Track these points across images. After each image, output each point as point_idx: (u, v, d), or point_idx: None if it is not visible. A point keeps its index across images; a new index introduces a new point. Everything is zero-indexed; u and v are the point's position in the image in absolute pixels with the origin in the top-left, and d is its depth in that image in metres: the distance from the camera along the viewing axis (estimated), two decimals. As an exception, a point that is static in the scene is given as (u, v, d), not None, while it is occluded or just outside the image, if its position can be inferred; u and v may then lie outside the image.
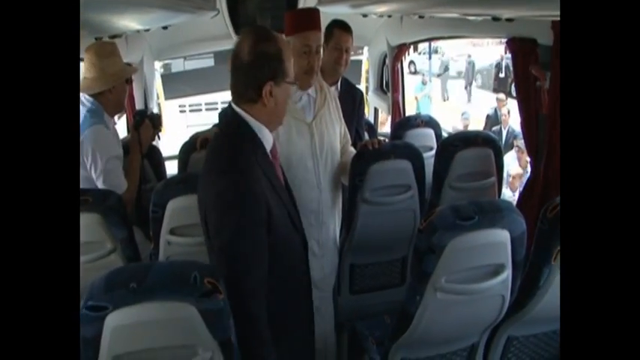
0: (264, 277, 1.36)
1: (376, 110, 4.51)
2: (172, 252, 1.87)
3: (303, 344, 1.63)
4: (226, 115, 1.50)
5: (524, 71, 2.21)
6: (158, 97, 5.59)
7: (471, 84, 12.24)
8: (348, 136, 2.23)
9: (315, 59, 1.95)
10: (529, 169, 4.51)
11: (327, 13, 3.28)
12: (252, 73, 1.38)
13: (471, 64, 12.42)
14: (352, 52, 2.62)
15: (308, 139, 1.98)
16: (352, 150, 2.20)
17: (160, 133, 2.62)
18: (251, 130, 1.42)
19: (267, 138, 1.45)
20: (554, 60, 1.99)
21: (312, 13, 2.02)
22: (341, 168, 2.12)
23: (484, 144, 2.36)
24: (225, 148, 1.42)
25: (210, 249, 1.43)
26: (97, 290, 1.10)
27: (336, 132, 2.09)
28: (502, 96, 8.54)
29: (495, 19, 2.05)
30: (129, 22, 2.27)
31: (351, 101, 2.69)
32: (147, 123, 2.37)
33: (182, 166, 2.57)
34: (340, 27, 2.56)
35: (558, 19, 1.90)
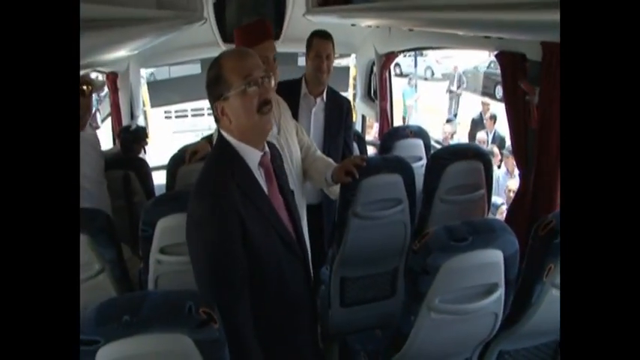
0: (241, 290, 1.34)
1: (364, 118, 4.51)
2: (162, 271, 1.85)
3: None
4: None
5: (512, 85, 2.21)
6: (144, 105, 5.54)
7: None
8: (308, 140, 2.19)
9: (273, 68, 1.97)
10: (516, 172, 4.55)
11: (315, 23, 3.28)
12: (209, 97, 1.43)
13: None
14: (339, 56, 2.59)
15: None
16: (320, 155, 2.16)
17: (146, 147, 2.60)
18: (231, 150, 1.41)
19: (250, 155, 1.43)
20: (543, 75, 2.00)
21: (263, 25, 2.02)
22: (318, 172, 2.08)
23: (474, 157, 2.37)
24: (202, 171, 1.44)
25: None
26: (87, 323, 1.07)
27: (295, 142, 2.07)
28: (486, 100, 8.60)
29: (486, 36, 2.06)
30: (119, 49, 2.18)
31: (338, 111, 2.63)
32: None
33: (170, 179, 2.53)
34: (318, 35, 2.53)
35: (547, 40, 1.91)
